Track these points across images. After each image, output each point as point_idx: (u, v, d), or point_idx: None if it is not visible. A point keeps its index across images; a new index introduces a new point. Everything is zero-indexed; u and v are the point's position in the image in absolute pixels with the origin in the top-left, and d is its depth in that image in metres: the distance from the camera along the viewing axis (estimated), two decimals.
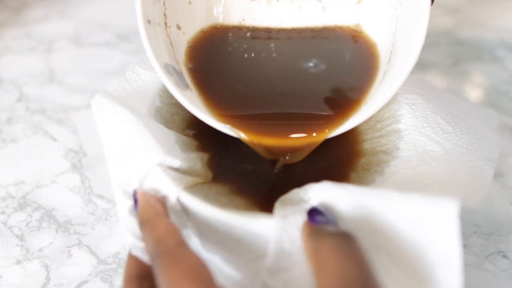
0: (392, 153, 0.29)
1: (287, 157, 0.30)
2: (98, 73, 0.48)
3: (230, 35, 0.34)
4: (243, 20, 0.35)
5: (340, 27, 0.34)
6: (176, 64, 0.30)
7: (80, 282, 0.30)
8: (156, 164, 0.26)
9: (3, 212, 0.35)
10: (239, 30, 0.34)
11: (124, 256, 0.32)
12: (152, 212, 0.24)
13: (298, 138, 0.29)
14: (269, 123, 0.30)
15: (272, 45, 0.34)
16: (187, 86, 0.30)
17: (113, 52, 0.51)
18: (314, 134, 0.29)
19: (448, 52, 0.50)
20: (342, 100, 0.30)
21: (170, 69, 0.29)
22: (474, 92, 0.46)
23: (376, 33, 0.33)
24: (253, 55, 0.33)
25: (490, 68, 0.48)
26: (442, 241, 0.21)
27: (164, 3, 0.31)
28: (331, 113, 0.30)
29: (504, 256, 0.31)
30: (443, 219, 0.21)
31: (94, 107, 0.27)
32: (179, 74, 0.30)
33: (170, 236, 0.22)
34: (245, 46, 0.33)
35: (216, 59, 0.33)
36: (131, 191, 0.27)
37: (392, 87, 0.28)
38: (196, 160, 0.29)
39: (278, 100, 0.31)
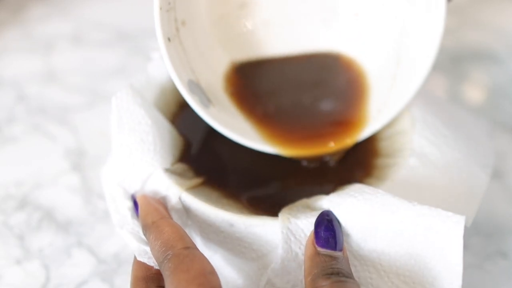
0: (392, 155, 0.29)
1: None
2: (98, 73, 0.48)
3: (254, 64, 0.35)
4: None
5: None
6: (192, 73, 0.30)
7: (80, 282, 0.30)
8: (159, 168, 0.27)
9: (3, 212, 0.35)
10: (259, 62, 0.35)
11: (124, 256, 0.32)
12: (156, 215, 0.24)
13: (332, 146, 0.30)
14: (304, 140, 0.31)
15: (285, 71, 0.35)
16: (209, 101, 0.30)
17: (113, 52, 0.51)
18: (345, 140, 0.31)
19: (448, 52, 0.49)
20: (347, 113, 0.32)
21: (193, 87, 0.29)
22: (474, 92, 0.46)
23: (369, 41, 0.34)
24: (276, 82, 0.34)
25: (490, 68, 0.48)
26: (446, 256, 0.22)
27: (175, 8, 0.30)
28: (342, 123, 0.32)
29: (504, 256, 0.31)
30: (448, 235, 0.21)
31: (114, 102, 0.27)
32: (199, 88, 0.30)
33: (177, 240, 0.22)
34: (268, 74, 0.35)
35: (249, 87, 0.34)
36: (130, 191, 0.27)
37: (411, 87, 0.29)
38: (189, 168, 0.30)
39: (304, 117, 0.32)
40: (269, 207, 0.27)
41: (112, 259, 0.32)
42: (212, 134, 0.32)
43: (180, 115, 0.33)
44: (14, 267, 0.31)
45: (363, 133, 0.30)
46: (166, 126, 0.30)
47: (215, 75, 0.33)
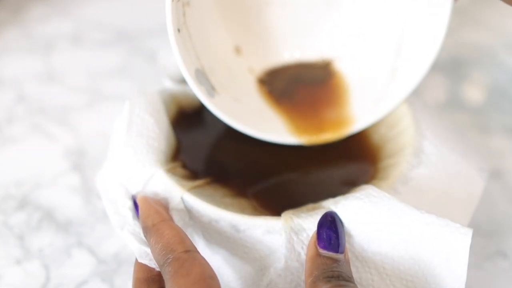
0: (394, 154, 0.29)
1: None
2: (98, 73, 0.48)
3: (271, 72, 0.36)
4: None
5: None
6: (197, 60, 0.30)
7: (80, 282, 0.30)
8: (162, 169, 0.27)
9: (3, 212, 0.35)
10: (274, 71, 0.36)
11: (124, 256, 0.32)
12: (157, 218, 0.24)
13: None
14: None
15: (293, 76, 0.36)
16: (213, 89, 0.30)
17: (113, 52, 0.51)
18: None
19: (448, 52, 0.49)
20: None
21: (199, 77, 0.29)
22: (474, 92, 0.46)
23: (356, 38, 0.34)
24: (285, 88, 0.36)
25: (490, 68, 0.48)
26: (451, 265, 0.22)
27: None
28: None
29: (504, 256, 0.31)
30: (455, 245, 0.22)
31: (127, 106, 0.29)
32: (204, 77, 0.30)
33: (178, 243, 0.22)
34: (280, 80, 0.36)
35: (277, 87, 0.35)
36: (131, 192, 0.27)
37: (410, 83, 0.29)
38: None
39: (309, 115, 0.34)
40: (277, 201, 0.28)
41: (112, 259, 0.32)
42: (214, 134, 0.32)
43: (182, 118, 0.33)
44: (14, 267, 0.31)
45: (355, 126, 0.31)
46: (173, 136, 0.30)
47: (220, 57, 0.34)
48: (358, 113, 0.32)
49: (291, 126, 0.32)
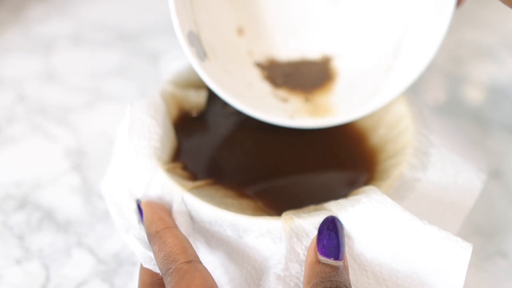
0: (394, 155, 0.29)
1: None
2: (98, 73, 0.48)
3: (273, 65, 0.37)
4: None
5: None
6: (194, 25, 0.30)
7: (80, 282, 0.30)
8: (163, 170, 0.27)
9: (3, 212, 0.35)
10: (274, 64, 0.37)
11: (124, 256, 0.32)
12: (160, 225, 0.24)
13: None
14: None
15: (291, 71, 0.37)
16: (205, 55, 0.31)
17: (113, 52, 0.51)
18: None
19: (448, 52, 0.49)
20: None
21: (192, 39, 0.29)
22: (474, 92, 0.46)
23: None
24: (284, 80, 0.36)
25: (490, 68, 0.48)
26: (449, 277, 0.22)
27: None
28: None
29: (504, 256, 0.31)
30: (454, 259, 0.22)
31: (128, 110, 0.29)
32: (198, 41, 0.30)
33: (179, 253, 0.22)
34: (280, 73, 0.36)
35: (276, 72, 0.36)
36: (135, 194, 0.27)
37: (405, 80, 0.30)
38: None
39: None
40: (279, 201, 0.28)
41: (112, 259, 0.32)
42: (215, 136, 0.32)
43: (183, 120, 0.33)
44: (14, 267, 0.31)
45: (347, 117, 0.32)
46: (174, 137, 0.31)
47: (221, 35, 0.34)
48: (351, 105, 0.32)
49: (284, 108, 0.32)
